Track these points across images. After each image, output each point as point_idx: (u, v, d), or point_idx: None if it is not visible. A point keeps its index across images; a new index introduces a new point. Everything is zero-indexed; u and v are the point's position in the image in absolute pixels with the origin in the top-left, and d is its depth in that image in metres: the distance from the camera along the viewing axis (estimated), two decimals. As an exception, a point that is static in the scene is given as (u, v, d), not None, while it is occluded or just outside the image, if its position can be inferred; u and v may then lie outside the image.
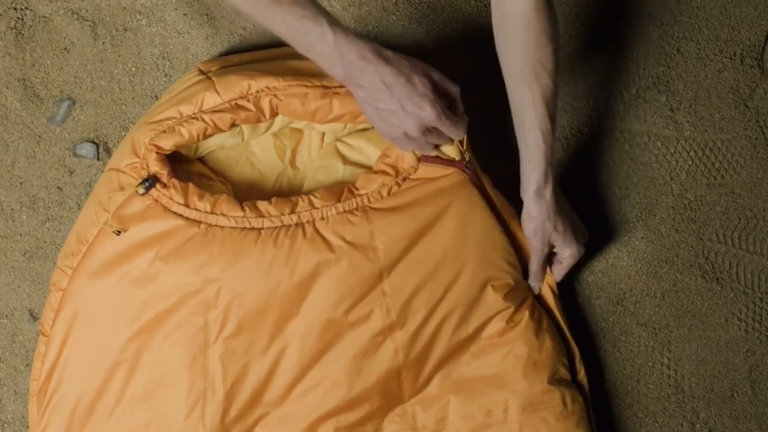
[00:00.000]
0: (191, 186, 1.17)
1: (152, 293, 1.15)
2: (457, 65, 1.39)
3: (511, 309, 1.21)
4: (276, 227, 1.16)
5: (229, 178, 1.28)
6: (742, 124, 1.42)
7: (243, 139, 1.24)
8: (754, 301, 1.41)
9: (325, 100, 1.17)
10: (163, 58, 1.35)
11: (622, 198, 1.40)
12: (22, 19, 1.33)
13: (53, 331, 1.18)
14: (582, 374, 1.28)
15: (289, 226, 1.16)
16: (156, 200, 1.16)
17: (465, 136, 1.17)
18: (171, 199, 1.16)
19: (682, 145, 1.41)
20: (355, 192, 1.19)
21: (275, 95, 1.18)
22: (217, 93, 1.18)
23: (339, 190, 1.19)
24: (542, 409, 1.21)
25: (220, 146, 1.27)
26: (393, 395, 1.19)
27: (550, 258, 1.26)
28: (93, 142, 1.34)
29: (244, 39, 1.36)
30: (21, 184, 1.33)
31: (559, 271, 1.27)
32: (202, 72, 1.24)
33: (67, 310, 1.17)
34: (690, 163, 1.41)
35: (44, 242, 1.33)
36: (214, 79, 1.19)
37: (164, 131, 1.17)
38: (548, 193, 1.19)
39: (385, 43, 1.37)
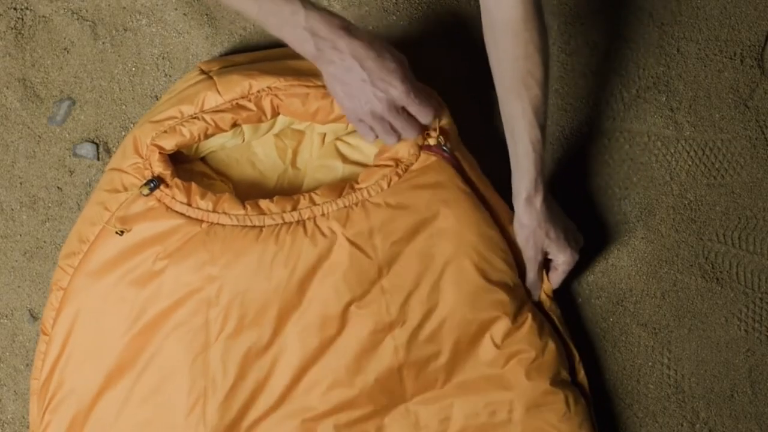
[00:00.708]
0: (194, 185, 1.17)
1: (153, 292, 1.15)
2: (457, 65, 1.39)
3: (513, 308, 1.21)
4: (277, 225, 1.16)
5: (231, 179, 1.28)
6: (742, 124, 1.42)
7: (244, 140, 1.24)
8: (754, 301, 1.41)
9: (326, 100, 1.17)
10: (163, 58, 1.35)
11: (622, 198, 1.40)
12: (22, 19, 1.33)
13: (54, 331, 1.18)
14: (582, 375, 1.28)
15: (290, 223, 1.16)
16: (159, 200, 1.16)
17: (437, 124, 1.16)
18: (174, 198, 1.16)
19: (682, 145, 1.41)
20: (356, 187, 1.19)
21: (276, 95, 1.18)
22: (218, 93, 1.18)
23: (340, 187, 1.19)
24: (546, 411, 1.21)
25: (221, 147, 1.27)
26: (395, 394, 1.19)
27: (546, 264, 1.26)
28: (93, 142, 1.34)
29: (244, 39, 1.36)
30: (21, 184, 1.33)
31: (555, 277, 1.27)
32: (203, 72, 1.24)
33: (68, 310, 1.17)
34: (690, 163, 1.41)
35: (44, 242, 1.33)
36: (215, 78, 1.20)
37: (165, 131, 1.17)
38: (539, 201, 1.19)
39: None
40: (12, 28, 1.33)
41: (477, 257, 1.19)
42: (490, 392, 1.20)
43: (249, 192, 1.27)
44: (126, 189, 1.17)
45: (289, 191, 1.29)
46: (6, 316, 1.32)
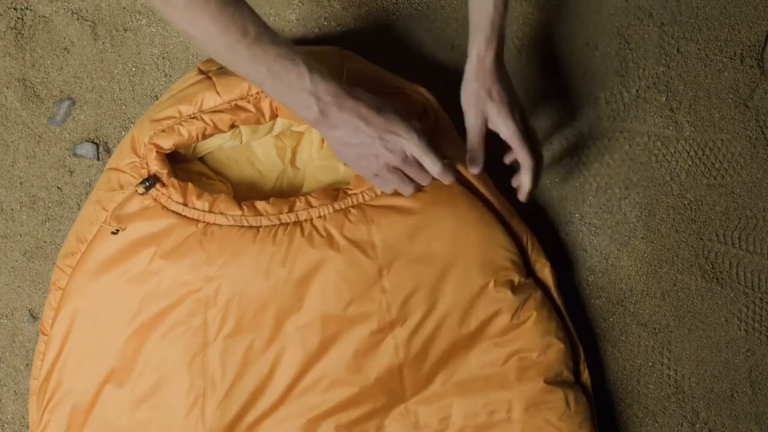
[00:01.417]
0: (190, 185, 1.17)
1: (151, 291, 1.15)
2: (457, 65, 1.39)
3: (515, 306, 1.21)
4: (274, 225, 1.16)
5: (229, 178, 1.28)
6: (742, 124, 1.42)
7: (242, 142, 1.24)
8: (754, 301, 1.41)
9: None
10: (163, 58, 1.35)
11: (622, 198, 1.40)
12: (22, 19, 1.33)
13: (53, 330, 1.18)
14: (586, 375, 1.28)
15: (287, 224, 1.17)
16: (155, 199, 1.16)
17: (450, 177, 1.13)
18: (170, 198, 1.16)
19: (682, 145, 1.41)
20: (349, 192, 1.19)
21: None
22: (218, 93, 1.18)
23: (334, 192, 1.19)
24: (545, 410, 1.21)
25: (219, 148, 1.27)
26: (395, 393, 1.19)
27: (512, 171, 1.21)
28: (93, 142, 1.34)
29: (244, 39, 1.36)
30: (21, 184, 1.33)
31: (525, 182, 1.19)
32: (201, 72, 1.24)
33: (66, 309, 1.17)
34: (690, 163, 1.41)
35: (44, 242, 1.33)
36: (214, 79, 1.20)
37: (163, 130, 1.17)
38: (489, 60, 1.16)
39: (385, 43, 1.37)
40: (12, 28, 1.33)
41: (477, 256, 1.19)
42: (489, 391, 1.20)
43: (248, 191, 1.27)
44: (122, 188, 1.17)
45: (288, 191, 1.29)
46: (6, 316, 1.32)
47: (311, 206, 1.17)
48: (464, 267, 1.19)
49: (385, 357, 1.18)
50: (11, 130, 1.33)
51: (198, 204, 1.16)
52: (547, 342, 1.22)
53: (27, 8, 1.33)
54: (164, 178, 1.16)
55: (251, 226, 1.16)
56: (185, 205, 1.16)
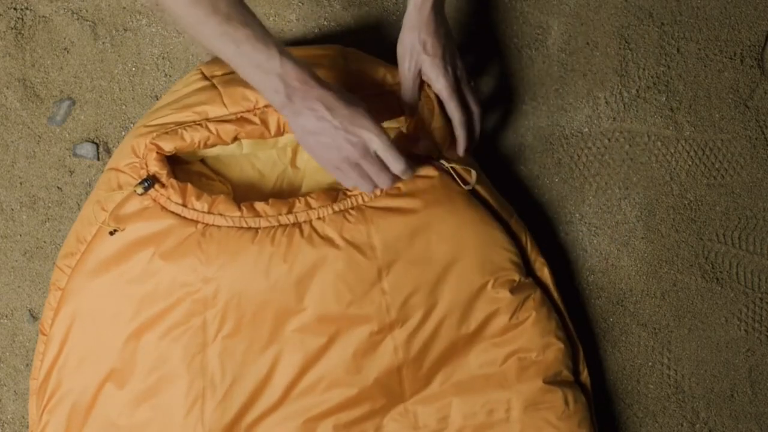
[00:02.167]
0: (189, 186, 1.16)
1: (150, 292, 1.15)
2: (457, 65, 1.39)
3: (514, 306, 1.21)
4: (273, 227, 1.16)
5: (229, 178, 1.28)
6: (742, 124, 1.42)
7: (242, 151, 1.23)
8: (754, 301, 1.41)
9: None
10: (163, 58, 1.35)
11: (622, 198, 1.40)
12: (22, 19, 1.33)
13: (52, 330, 1.18)
14: (585, 374, 1.28)
15: (286, 225, 1.16)
16: (154, 200, 1.16)
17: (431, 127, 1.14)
18: (169, 198, 1.15)
19: (682, 145, 1.41)
20: (349, 193, 1.19)
21: None
22: (224, 105, 1.17)
23: (334, 193, 1.19)
24: (544, 409, 1.21)
25: (218, 155, 1.26)
26: (394, 393, 1.19)
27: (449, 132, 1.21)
28: (93, 142, 1.34)
29: (244, 39, 1.36)
30: (21, 184, 1.33)
31: (457, 136, 1.20)
32: (205, 77, 1.23)
33: (66, 309, 1.17)
34: (690, 163, 1.41)
35: (44, 242, 1.33)
36: (220, 89, 1.18)
37: (166, 132, 1.17)
38: (426, 10, 1.15)
39: (385, 43, 1.37)
40: (12, 28, 1.33)
41: (476, 256, 1.19)
42: (488, 391, 1.20)
43: (248, 192, 1.27)
44: (121, 188, 1.17)
45: (288, 191, 1.29)
46: (6, 316, 1.32)
47: (310, 207, 1.17)
48: (463, 267, 1.19)
49: (384, 358, 1.18)
50: (11, 130, 1.33)
51: (197, 205, 1.16)
52: (546, 342, 1.22)
53: (27, 8, 1.33)
54: (163, 179, 1.16)
55: (250, 228, 1.16)
56: (184, 206, 1.16)
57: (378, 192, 1.18)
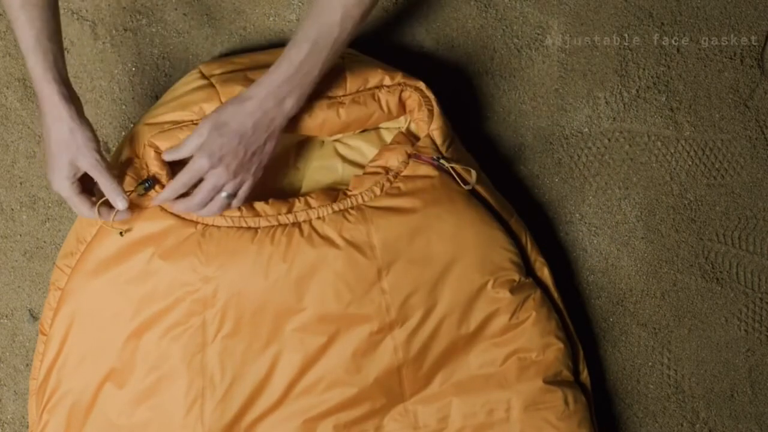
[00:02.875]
0: (189, 187, 1.17)
1: (150, 292, 1.15)
2: (457, 65, 1.39)
3: (514, 306, 1.21)
4: (272, 226, 1.16)
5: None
6: (742, 124, 1.42)
7: None
8: (754, 301, 1.41)
9: (331, 110, 1.17)
10: (163, 58, 1.35)
11: (622, 198, 1.40)
12: (22, 19, 1.33)
13: (52, 330, 1.18)
14: (585, 374, 1.28)
15: (286, 225, 1.16)
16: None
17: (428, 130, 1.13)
18: (168, 198, 1.15)
19: (682, 145, 1.41)
20: (348, 193, 1.19)
21: None
22: (221, 103, 1.17)
23: (334, 193, 1.19)
24: (544, 409, 1.21)
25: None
26: (394, 393, 1.19)
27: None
28: (93, 142, 1.34)
29: (244, 39, 1.36)
30: (21, 184, 1.33)
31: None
32: (203, 76, 1.23)
33: (65, 309, 1.17)
34: (690, 163, 1.41)
35: (44, 242, 1.33)
36: (217, 87, 1.18)
37: (163, 132, 1.17)
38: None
39: (385, 43, 1.37)
40: (12, 28, 1.33)
41: (476, 256, 1.19)
42: (488, 391, 1.20)
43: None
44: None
45: (287, 191, 1.29)
46: (6, 316, 1.32)
47: (310, 207, 1.17)
48: (463, 267, 1.19)
49: (384, 358, 1.18)
50: (11, 130, 1.33)
51: (197, 205, 1.16)
52: (546, 342, 1.22)
53: (27, 8, 1.33)
54: (163, 179, 1.16)
55: (250, 227, 1.16)
56: (184, 206, 1.16)
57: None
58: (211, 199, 1.12)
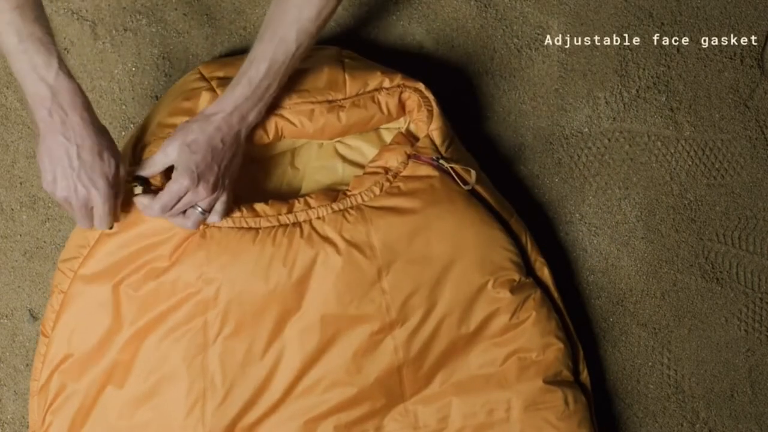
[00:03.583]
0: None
1: (153, 294, 1.15)
2: (457, 65, 1.39)
3: (514, 306, 1.21)
4: (273, 227, 1.16)
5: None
6: (742, 124, 1.42)
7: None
8: (754, 301, 1.41)
9: (331, 114, 1.18)
10: (163, 58, 1.34)
11: (622, 198, 1.40)
12: (22, 19, 1.33)
13: (54, 333, 1.18)
14: (585, 374, 1.28)
15: (286, 225, 1.16)
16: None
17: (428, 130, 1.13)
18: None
19: (682, 145, 1.41)
20: (348, 193, 1.19)
21: (282, 115, 1.17)
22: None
23: (333, 193, 1.19)
24: (544, 409, 1.21)
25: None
26: (394, 393, 1.19)
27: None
28: (93, 142, 1.34)
29: (244, 39, 1.36)
30: (21, 184, 1.33)
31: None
32: (204, 77, 1.23)
33: (68, 312, 1.17)
34: (690, 163, 1.41)
35: (44, 242, 1.33)
36: (219, 92, 1.18)
37: (163, 137, 1.17)
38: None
39: (385, 43, 1.37)
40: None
41: (476, 255, 1.19)
42: (488, 391, 1.20)
43: (247, 192, 1.27)
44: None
45: (287, 191, 1.29)
46: (6, 316, 1.32)
47: (310, 207, 1.17)
48: (463, 267, 1.19)
49: (384, 358, 1.18)
50: (11, 130, 1.33)
51: (197, 206, 1.15)
52: (547, 342, 1.22)
53: (27, 8, 1.33)
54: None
55: (250, 228, 1.16)
56: (184, 207, 1.15)
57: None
58: (184, 213, 1.11)
